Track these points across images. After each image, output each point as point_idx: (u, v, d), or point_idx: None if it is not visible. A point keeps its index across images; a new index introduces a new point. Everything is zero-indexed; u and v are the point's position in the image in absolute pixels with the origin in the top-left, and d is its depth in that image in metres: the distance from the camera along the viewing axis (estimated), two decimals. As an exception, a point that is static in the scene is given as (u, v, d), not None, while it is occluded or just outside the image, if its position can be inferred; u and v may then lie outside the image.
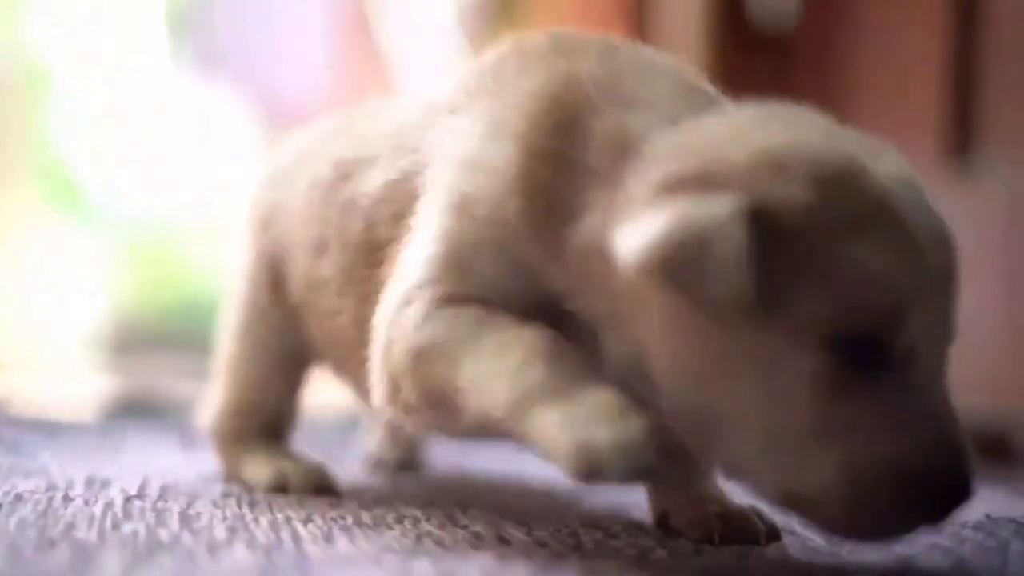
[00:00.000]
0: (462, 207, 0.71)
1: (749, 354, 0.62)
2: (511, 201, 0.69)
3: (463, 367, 0.67)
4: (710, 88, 0.71)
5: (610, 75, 0.70)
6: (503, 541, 0.71)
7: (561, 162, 0.68)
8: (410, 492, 0.90)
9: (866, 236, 0.61)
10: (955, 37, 1.39)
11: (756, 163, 0.62)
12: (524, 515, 0.80)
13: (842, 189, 0.62)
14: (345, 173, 0.81)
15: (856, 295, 0.61)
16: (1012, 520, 0.76)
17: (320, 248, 0.82)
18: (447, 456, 1.11)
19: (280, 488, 0.87)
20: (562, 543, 0.70)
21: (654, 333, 0.64)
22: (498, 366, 0.65)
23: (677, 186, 0.63)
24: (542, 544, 0.70)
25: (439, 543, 0.69)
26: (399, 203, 0.75)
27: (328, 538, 0.70)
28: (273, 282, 0.89)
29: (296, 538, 0.69)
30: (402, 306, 0.71)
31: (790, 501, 0.63)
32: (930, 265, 0.62)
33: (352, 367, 0.79)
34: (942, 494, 0.62)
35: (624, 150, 0.67)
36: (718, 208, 0.61)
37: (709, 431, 0.64)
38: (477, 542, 0.70)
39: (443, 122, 0.75)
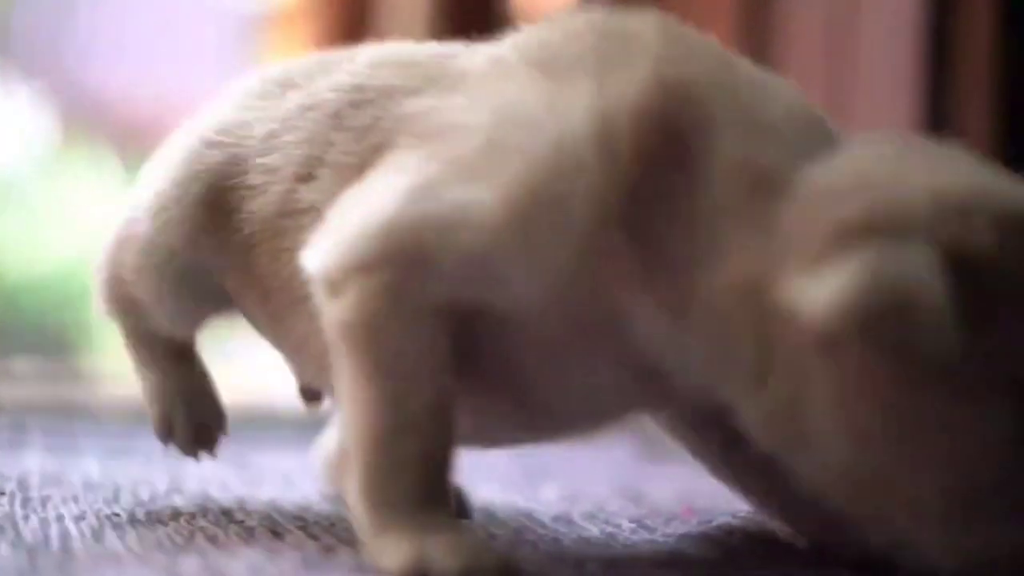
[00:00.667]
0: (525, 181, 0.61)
1: (937, 412, 0.58)
2: (601, 229, 0.61)
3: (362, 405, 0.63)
4: (820, 112, 0.65)
5: (731, 91, 0.63)
6: (276, 536, 0.70)
7: (670, 189, 0.61)
8: (190, 488, 0.89)
9: None
10: None
11: (939, 208, 0.58)
12: (304, 509, 0.80)
13: None
14: (359, 100, 0.71)
15: None
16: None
17: (308, 174, 0.71)
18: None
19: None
20: (336, 536, 0.70)
21: (816, 390, 0.59)
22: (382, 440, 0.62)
23: (859, 231, 0.58)
24: (314, 537, 0.70)
25: (211, 539, 0.69)
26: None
27: (97, 536, 0.68)
28: (215, 206, 0.74)
29: (65, 536, 0.68)
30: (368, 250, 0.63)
31: (968, 570, 0.59)
32: None
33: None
34: None
35: (762, 187, 0.60)
36: (917, 258, 0.57)
37: (876, 496, 0.59)
38: (250, 538, 0.70)
39: (511, 85, 0.65)
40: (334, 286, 0.64)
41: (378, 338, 0.62)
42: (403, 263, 0.62)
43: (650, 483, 1.00)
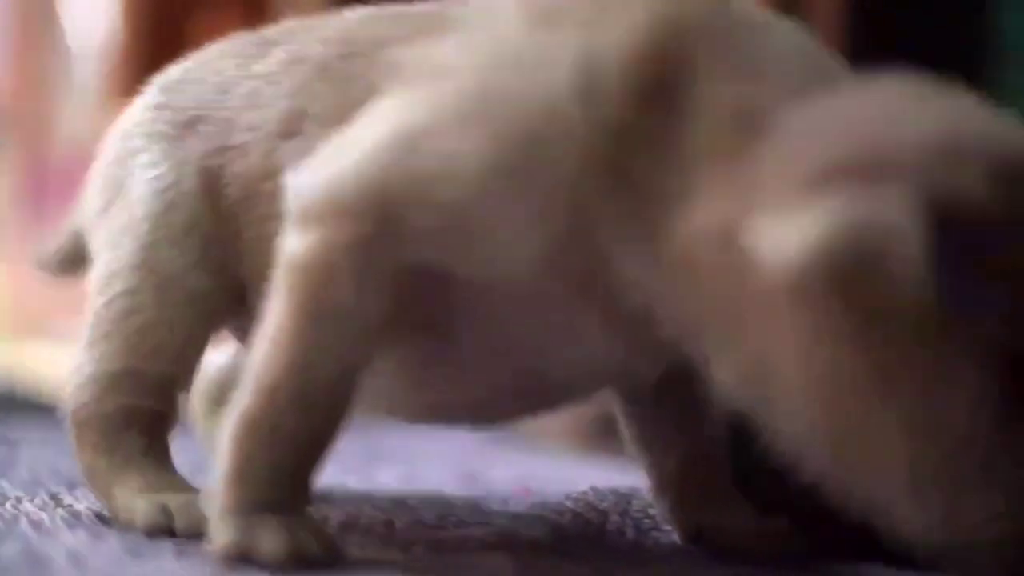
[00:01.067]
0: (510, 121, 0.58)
1: (910, 373, 0.53)
2: (588, 176, 0.57)
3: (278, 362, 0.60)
4: (830, 55, 0.61)
5: (723, 30, 0.59)
6: (102, 520, 0.69)
7: (656, 131, 0.57)
8: (19, 473, 0.87)
9: None
10: None
11: (926, 152, 0.53)
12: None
13: None
14: (349, 52, 0.67)
15: None
16: (614, 491, 0.79)
17: (292, 131, 0.67)
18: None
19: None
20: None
21: (786, 346, 0.54)
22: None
23: (835, 175, 0.54)
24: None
25: (35, 524, 0.67)
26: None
27: (-86, 524, 0.67)
28: (207, 186, 0.69)
29: None
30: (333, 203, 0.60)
31: (942, 544, 0.55)
32: None
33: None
34: None
35: (747, 125, 0.57)
36: (895, 203, 0.52)
37: (847, 460, 0.55)
38: (76, 522, 0.68)
39: (504, 31, 0.62)
40: (306, 219, 0.60)
41: (324, 290, 0.59)
42: (378, 218, 0.59)
43: (490, 467, 1.00)
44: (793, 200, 0.54)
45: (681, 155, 0.57)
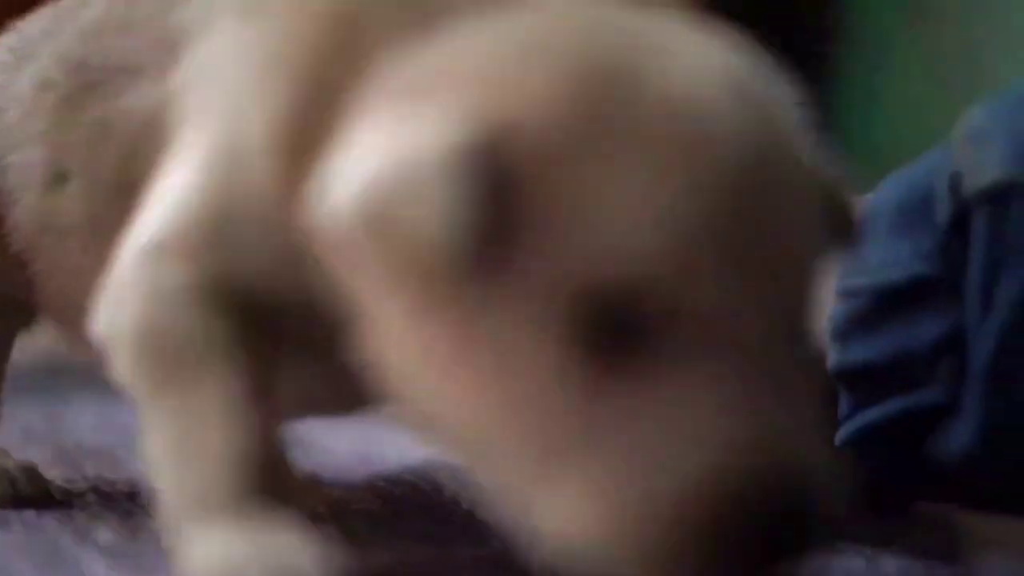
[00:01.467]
0: (229, 153, 0.52)
1: (478, 340, 0.44)
2: (268, 159, 0.51)
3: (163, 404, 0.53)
4: None
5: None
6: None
7: (326, 115, 0.49)
8: None
9: (632, 163, 0.42)
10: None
11: (489, 68, 0.45)
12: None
13: (603, 99, 0.43)
14: (89, 82, 0.61)
15: (613, 248, 0.42)
16: (448, 464, 0.77)
17: (58, 178, 0.61)
18: None
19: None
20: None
21: (381, 326, 0.47)
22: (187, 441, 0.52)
23: (392, 106, 0.46)
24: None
25: None
26: (170, 129, 0.56)
27: None
28: None
29: None
30: (142, 259, 0.54)
31: (549, 538, 0.44)
32: (737, 202, 0.43)
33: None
34: (752, 534, 0.42)
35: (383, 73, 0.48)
36: (430, 134, 0.43)
37: (464, 451, 0.47)
38: None
39: (226, 28, 0.55)
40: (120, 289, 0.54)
41: (153, 342, 0.53)
42: (147, 266, 0.53)
43: (325, 437, 0.98)
44: (355, 142, 0.47)
45: (334, 131, 0.49)
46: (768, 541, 0.42)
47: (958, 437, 0.64)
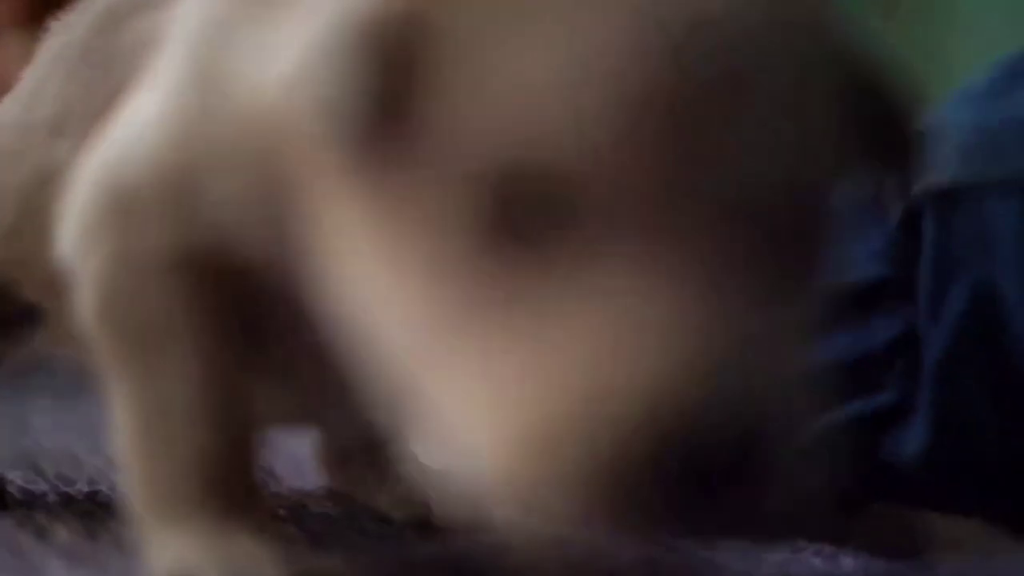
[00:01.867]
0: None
1: (394, 232, 0.39)
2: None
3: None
4: None
5: None
6: None
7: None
8: None
9: (553, 19, 0.36)
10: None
11: None
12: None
13: None
14: (105, 26, 0.58)
15: (523, 117, 0.36)
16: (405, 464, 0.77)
17: (56, 130, 0.59)
18: None
19: None
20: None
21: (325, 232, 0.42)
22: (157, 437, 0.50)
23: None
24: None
25: None
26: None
27: None
28: None
29: None
30: (111, 202, 0.50)
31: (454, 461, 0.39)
32: (701, 66, 0.36)
33: None
34: (689, 459, 0.35)
35: None
36: (342, 5, 0.39)
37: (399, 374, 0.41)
38: None
39: None
40: (86, 236, 0.52)
41: (118, 312, 0.51)
42: (113, 221, 0.50)
43: (283, 438, 0.98)
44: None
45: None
46: (708, 468, 0.35)
47: (913, 438, 0.65)
